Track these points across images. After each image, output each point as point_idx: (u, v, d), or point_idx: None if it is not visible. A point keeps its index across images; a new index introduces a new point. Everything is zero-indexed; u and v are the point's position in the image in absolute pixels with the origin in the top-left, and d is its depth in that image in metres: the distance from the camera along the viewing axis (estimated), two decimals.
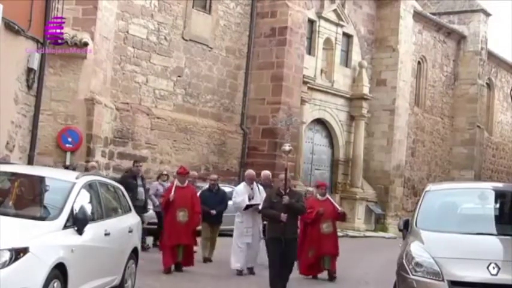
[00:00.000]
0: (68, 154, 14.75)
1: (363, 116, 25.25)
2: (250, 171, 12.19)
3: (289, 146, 10.53)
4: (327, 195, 11.79)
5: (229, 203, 12.96)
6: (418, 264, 6.86)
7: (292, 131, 17.57)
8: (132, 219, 9.02)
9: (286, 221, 9.50)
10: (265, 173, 12.37)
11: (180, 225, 10.92)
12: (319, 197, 11.57)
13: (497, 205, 8.28)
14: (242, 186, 11.91)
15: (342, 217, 11.85)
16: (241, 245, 11.41)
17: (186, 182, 11.30)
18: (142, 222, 12.33)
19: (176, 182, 11.19)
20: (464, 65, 31.46)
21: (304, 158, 23.15)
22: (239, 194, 11.65)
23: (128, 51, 17.47)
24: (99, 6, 15.41)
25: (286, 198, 9.61)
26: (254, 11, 20.94)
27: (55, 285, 6.19)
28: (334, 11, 24.09)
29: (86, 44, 14.84)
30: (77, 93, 15.04)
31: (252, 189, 11.61)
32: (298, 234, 11.47)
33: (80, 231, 6.80)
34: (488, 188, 9.07)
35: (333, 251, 11.55)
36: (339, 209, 11.57)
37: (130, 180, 12.81)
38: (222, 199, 13.00)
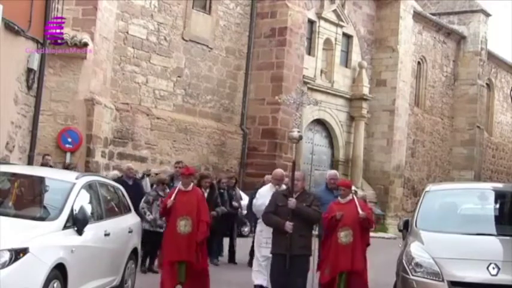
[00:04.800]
0: (68, 154, 14.76)
1: (363, 117, 25.25)
2: (277, 171, 10.15)
3: (298, 131, 8.83)
4: (352, 197, 9.16)
5: None
6: (418, 265, 6.88)
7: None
8: (132, 219, 9.03)
9: (292, 232, 7.76)
10: (278, 171, 10.27)
11: (181, 237, 8.88)
12: (340, 199, 9.14)
13: (497, 205, 8.30)
14: (267, 187, 9.89)
15: (366, 224, 9.04)
16: (260, 258, 9.56)
17: (191, 184, 9.30)
18: None
19: (179, 185, 9.27)
20: (464, 66, 31.46)
21: (304, 158, 23.15)
22: (261, 196, 9.72)
23: (128, 52, 17.46)
24: (99, 6, 15.42)
25: (292, 201, 7.86)
26: (254, 11, 20.93)
27: (55, 285, 6.20)
28: (334, 11, 24.09)
29: (85, 45, 14.84)
30: (77, 93, 15.05)
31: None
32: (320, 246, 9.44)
33: (79, 232, 6.81)
34: (488, 188, 9.11)
35: (350, 266, 8.69)
36: (361, 213, 8.79)
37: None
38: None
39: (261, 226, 9.55)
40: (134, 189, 11.94)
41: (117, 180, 12.04)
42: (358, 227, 8.84)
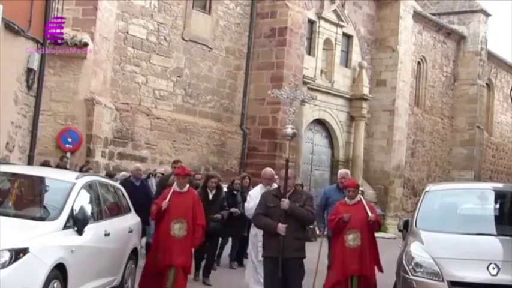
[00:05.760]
0: (68, 154, 14.75)
1: (363, 117, 25.23)
2: (267, 170, 9.91)
3: (292, 128, 8.34)
4: (359, 198, 8.77)
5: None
6: (418, 265, 6.88)
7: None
8: (132, 219, 9.02)
9: (285, 234, 7.34)
10: (268, 170, 10.06)
11: (175, 241, 8.35)
12: (347, 200, 8.75)
13: (497, 205, 8.31)
14: (258, 188, 9.62)
15: (375, 226, 8.69)
16: (257, 262, 9.31)
17: (187, 186, 8.78)
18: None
19: (174, 186, 8.74)
20: (464, 66, 31.45)
21: (304, 158, 23.15)
22: (252, 198, 9.45)
23: (128, 52, 17.46)
24: (99, 6, 15.41)
25: (285, 202, 7.43)
26: (254, 11, 20.93)
27: (55, 285, 6.20)
28: (334, 11, 24.08)
29: (85, 45, 14.83)
30: (77, 93, 15.04)
31: None
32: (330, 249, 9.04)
33: (79, 232, 6.82)
34: (488, 188, 9.12)
35: (359, 270, 8.39)
36: (370, 215, 8.46)
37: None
38: None
39: (255, 229, 9.22)
40: (141, 190, 11.92)
41: (125, 181, 12.03)
42: (366, 230, 8.51)
